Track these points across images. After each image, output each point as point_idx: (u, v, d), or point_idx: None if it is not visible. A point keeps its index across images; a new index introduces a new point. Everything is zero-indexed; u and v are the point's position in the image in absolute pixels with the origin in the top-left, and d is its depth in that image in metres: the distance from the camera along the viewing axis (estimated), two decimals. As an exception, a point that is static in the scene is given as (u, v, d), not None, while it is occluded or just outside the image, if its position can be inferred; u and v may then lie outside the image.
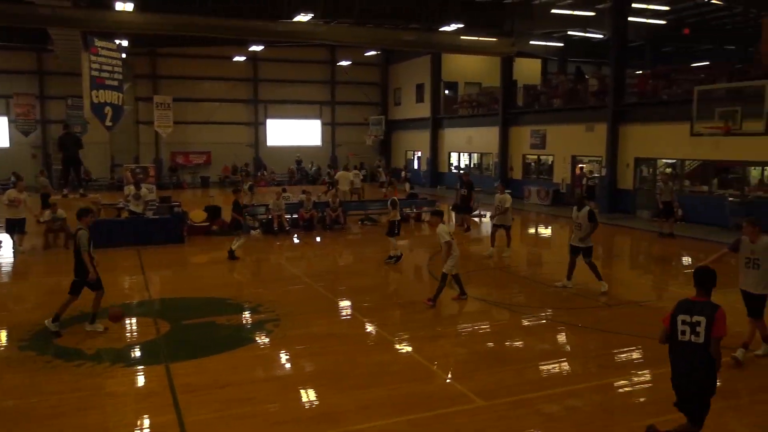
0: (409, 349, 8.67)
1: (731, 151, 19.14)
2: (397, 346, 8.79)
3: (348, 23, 27.30)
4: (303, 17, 24.39)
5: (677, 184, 22.82)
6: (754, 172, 21.86)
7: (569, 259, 12.04)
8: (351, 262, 15.99)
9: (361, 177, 28.08)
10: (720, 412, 6.53)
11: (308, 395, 7.11)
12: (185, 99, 38.07)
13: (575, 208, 11.84)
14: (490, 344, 9.02)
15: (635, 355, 8.47)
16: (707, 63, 29.72)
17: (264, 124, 41.81)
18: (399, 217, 14.99)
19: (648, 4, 27.46)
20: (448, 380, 7.57)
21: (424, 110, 38.54)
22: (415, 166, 41.36)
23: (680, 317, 5.43)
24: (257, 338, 9.13)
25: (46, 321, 9.12)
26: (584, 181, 25.52)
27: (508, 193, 16.45)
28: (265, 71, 40.97)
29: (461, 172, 25.60)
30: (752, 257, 7.92)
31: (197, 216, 19.10)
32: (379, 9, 26.67)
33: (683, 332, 5.40)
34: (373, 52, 40.99)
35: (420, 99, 39.46)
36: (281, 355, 8.48)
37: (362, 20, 27.27)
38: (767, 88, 15.77)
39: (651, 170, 23.85)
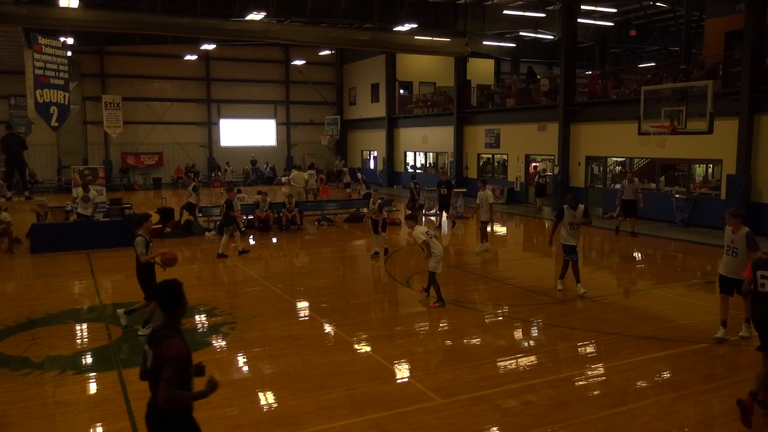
0: (368, 348, 8.66)
1: (677, 150, 19.76)
2: (356, 346, 8.77)
3: (301, 22, 27.12)
4: (255, 16, 24.14)
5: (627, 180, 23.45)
6: (699, 170, 22.67)
7: (564, 260, 11.56)
8: (308, 263, 15.88)
9: (316, 177, 28.00)
10: (670, 402, 6.74)
11: (266, 398, 7.03)
12: (135, 98, 37.28)
13: (566, 207, 11.35)
14: (448, 342, 9.09)
15: (589, 349, 8.66)
16: (653, 64, 30.65)
17: (217, 123, 41.19)
18: (385, 215, 15.80)
19: (596, 6, 28.15)
20: (407, 379, 7.59)
21: (379, 110, 38.61)
22: (371, 166, 41.40)
23: (759, 272, 6.48)
24: (213, 341, 8.98)
25: (139, 331, 9.08)
26: (536, 179, 25.99)
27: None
28: (217, 70, 40.38)
29: (440, 171, 26.25)
30: (732, 245, 8.65)
31: (149, 218, 18.67)
32: (332, 8, 26.61)
33: (762, 285, 6.43)
34: (327, 52, 40.86)
35: (375, 99, 39.51)
36: (238, 358, 8.37)
37: (315, 19, 27.15)
38: (710, 88, 16.32)
39: (601, 168, 24.45)
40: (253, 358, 8.32)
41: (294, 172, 26.98)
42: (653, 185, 22.06)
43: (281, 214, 19.91)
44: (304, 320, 10.38)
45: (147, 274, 9.12)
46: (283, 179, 36.55)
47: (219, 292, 12.17)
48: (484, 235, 16.19)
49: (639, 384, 7.33)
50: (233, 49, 37.53)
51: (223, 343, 8.91)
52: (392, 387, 7.31)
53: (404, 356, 8.36)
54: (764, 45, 18.24)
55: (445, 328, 9.80)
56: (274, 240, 18.71)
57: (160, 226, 18.48)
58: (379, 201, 15.65)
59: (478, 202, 16.17)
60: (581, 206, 11.48)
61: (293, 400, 6.88)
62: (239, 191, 21.86)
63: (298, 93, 42.77)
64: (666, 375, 7.59)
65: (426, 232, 10.76)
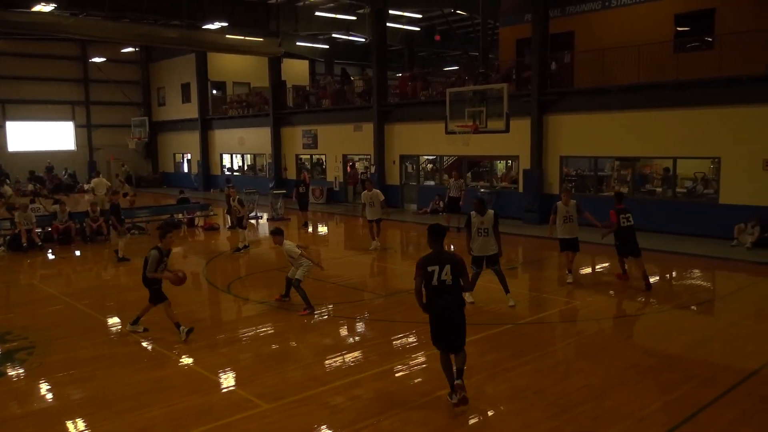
0: (189, 361, 8.24)
1: (480, 147, 21.32)
2: (176, 360, 8.31)
3: (99, 16, 25.10)
4: (43, 7, 21.85)
5: (437, 178, 24.92)
6: (500, 165, 24.71)
7: (474, 272, 10.22)
8: (118, 275, 14.72)
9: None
10: (483, 381, 7.24)
11: (76, 426, 6.39)
12: None
13: (473, 213, 10.27)
14: (274, 346, 8.95)
15: (410, 339, 9.02)
16: (457, 67, 32.82)
17: (3, 126, 36.75)
18: (247, 213, 17.07)
19: (403, 11, 29.50)
20: (231, 388, 7.33)
21: (191, 111, 37.04)
22: (185, 169, 39.64)
23: (621, 216, 11.40)
24: (8, 370, 7.96)
25: (127, 326, 9.43)
26: (360, 176, 26.65)
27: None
28: (0, 67, 36.04)
29: (302, 170, 25.65)
30: (568, 215, 11.85)
31: None
32: (134, 2, 24.92)
33: (623, 222, 11.39)
34: (131, 49, 38.31)
35: (186, 99, 37.85)
36: (40, 385, 7.50)
37: (116, 14, 25.28)
38: (505, 90, 17.84)
39: (414, 166, 25.67)
40: (58, 384, 7.52)
41: (96, 179, 24.88)
42: (462, 181, 23.59)
43: (84, 225, 18.28)
44: (116, 337, 9.59)
45: (154, 279, 9.13)
46: (86, 186, 33.70)
47: (13, 314, 10.84)
48: (373, 233, 16.34)
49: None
50: (19, 43, 33.78)
51: (21, 370, 7.94)
52: (216, 398, 7.02)
53: (228, 365, 8.08)
54: (549, 52, 20.35)
55: (271, 332, 9.64)
56: (78, 253, 17.13)
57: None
58: (238, 197, 16.90)
59: (368, 201, 16.18)
60: (490, 211, 10.37)
61: (108, 424, 6.33)
62: (32, 201, 19.79)
63: (99, 93, 39.59)
64: (479, 357, 8.13)
65: (297, 245, 10.48)
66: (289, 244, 10.39)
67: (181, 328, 8.97)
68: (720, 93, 16.43)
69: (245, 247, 16.39)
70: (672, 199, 18.05)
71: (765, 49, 15.62)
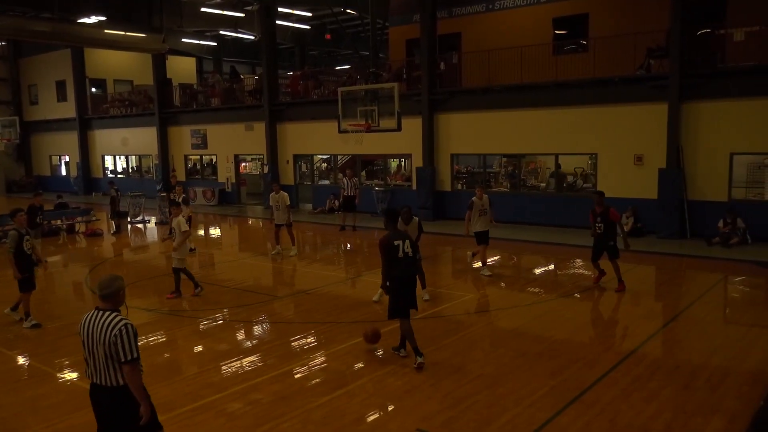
0: (73, 376, 7.72)
1: (373, 146, 21.49)
2: (58, 375, 7.76)
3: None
4: None
5: (332, 177, 24.90)
6: (393, 164, 25.06)
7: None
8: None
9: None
10: (382, 377, 7.31)
11: (-61, 457, 5.81)
12: None
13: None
14: (167, 355, 8.58)
15: (309, 339, 8.94)
16: (348, 66, 32.95)
17: None
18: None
19: (293, 9, 29.20)
20: (120, 402, 6.94)
21: (68, 110, 34.76)
22: (63, 172, 37.18)
23: (592, 211, 11.69)
24: None
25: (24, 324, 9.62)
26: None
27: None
28: None
29: (171, 174, 23.89)
30: (483, 208, 12.69)
31: None
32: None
33: (595, 226, 11.68)
34: (-3, 43, 35.42)
35: (63, 97, 35.45)
36: None
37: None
38: (396, 90, 18.08)
39: (309, 166, 25.49)
40: None
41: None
42: (356, 179, 23.70)
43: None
44: (-12, 355, 8.83)
45: (24, 266, 9.55)
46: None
47: None
48: (278, 239, 15.59)
49: (354, 366, 7.80)
50: None
51: None
52: (103, 414, 6.61)
53: (116, 377, 7.64)
54: (438, 53, 20.85)
55: (163, 340, 9.23)
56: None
57: None
58: (183, 195, 16.80)
59: (274, 204, 15.25)
60: (416, 219, 10.65)
61: (-23, 451, 5.81)
62: None
63: (-39, 90, 36.29)
64: (377, 354, 8.20)
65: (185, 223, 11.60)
66: (180, 220, 11.48)
67: (29, 318, 9.73)
68: (594, 93, 17.55)
69: (191, 250, 15.49)
70: (555, 194, 19.05)
71: (632, 52, 16.84)
